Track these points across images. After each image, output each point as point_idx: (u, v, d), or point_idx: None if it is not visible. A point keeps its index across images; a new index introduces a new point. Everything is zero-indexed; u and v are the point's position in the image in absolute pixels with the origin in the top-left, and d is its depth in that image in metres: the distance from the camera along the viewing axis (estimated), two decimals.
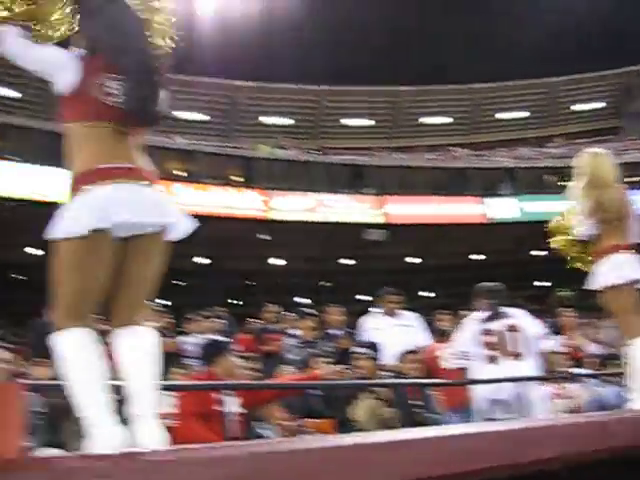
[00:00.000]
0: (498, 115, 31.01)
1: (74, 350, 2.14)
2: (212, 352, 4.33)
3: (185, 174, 21.05)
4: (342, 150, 26.91)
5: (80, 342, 2.15)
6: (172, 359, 4.88)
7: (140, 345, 2.25)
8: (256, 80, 27.72)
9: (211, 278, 20.90)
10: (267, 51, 26.62)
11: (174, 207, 2.36)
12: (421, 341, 6.21)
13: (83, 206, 2.18)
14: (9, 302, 20.64)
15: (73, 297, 2.19)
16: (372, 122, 30.39)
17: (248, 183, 21.27)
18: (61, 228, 2.18)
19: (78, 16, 2.39)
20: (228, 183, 21.26)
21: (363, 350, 5.22)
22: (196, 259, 20.91)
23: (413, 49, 28.48)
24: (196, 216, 2.38)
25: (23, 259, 20.08)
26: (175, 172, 20.86)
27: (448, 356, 5.21)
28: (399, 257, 23.10)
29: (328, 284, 24.03)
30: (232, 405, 4.02)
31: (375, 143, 28.74)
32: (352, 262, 23.62)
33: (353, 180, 22.77)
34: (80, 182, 2.22)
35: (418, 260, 23.77)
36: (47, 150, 16.68)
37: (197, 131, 27.25)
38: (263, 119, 29.26)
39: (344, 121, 30.11)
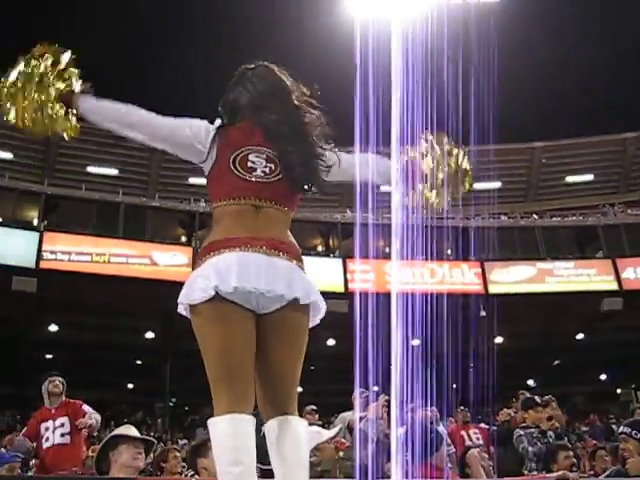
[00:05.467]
0: None
1: (222, 441, 2.02)
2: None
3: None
4: (562, 211, 24.70)
5: (228, 432, 2.02)
6: None
7: (296, 439, 2.11)
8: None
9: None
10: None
11: (307, 282, 2.21)
12: None
13: (201, 273, 2.15)
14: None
15: (219, 372, 2.08)
16: (592, 177, 27.85)
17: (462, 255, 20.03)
18: (182, 297, 2.16)
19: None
20: (441, 257, 19.97)
21: (629, 430, 4.26)
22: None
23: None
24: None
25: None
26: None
27: None
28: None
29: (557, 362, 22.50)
30: None
31: (601, 200, 26.18)
32: (583, 336, 21.49)
33: (580, 243, 21.00)
34: (202, 253, 2.20)
35: None
36: None
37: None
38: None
39: (567, 179, 27.76)
